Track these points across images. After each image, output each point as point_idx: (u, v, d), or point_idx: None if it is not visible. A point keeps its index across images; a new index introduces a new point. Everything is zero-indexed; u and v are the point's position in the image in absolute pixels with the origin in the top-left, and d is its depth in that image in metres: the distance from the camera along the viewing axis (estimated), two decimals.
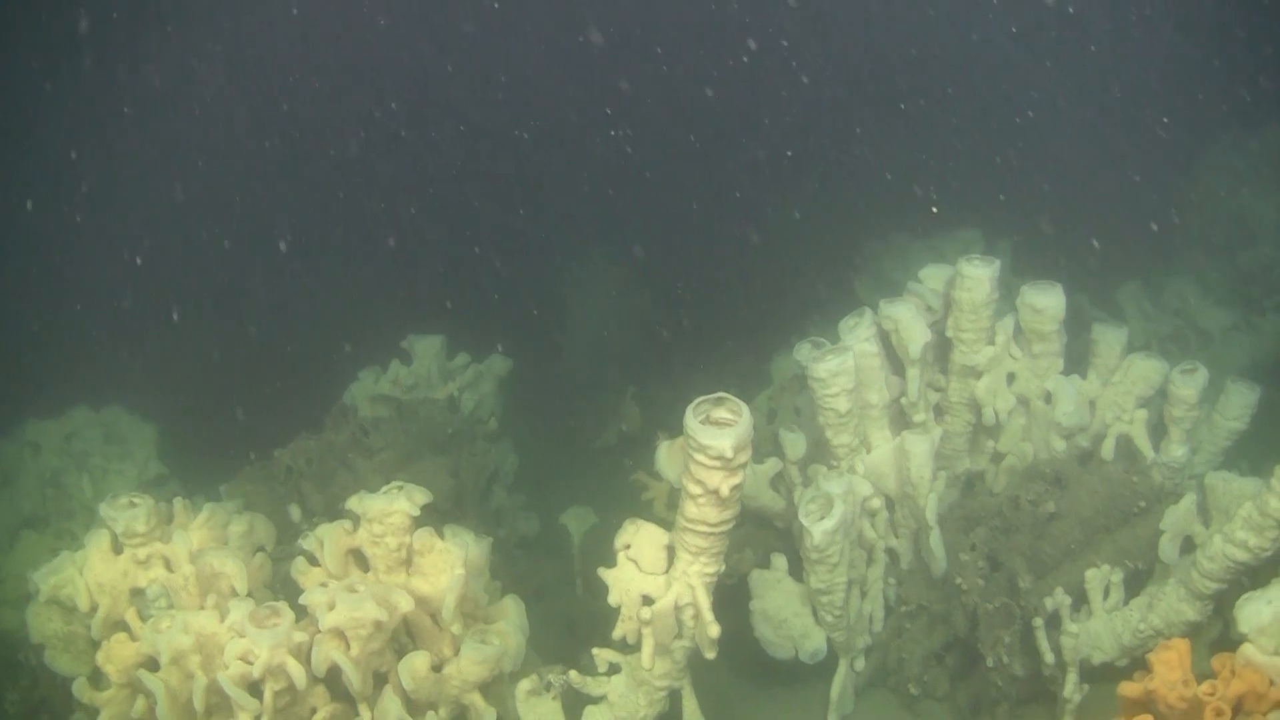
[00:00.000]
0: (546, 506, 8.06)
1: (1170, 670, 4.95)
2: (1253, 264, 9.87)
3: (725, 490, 5.13)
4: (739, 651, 6.80)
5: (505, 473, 8.01)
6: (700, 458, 5.04)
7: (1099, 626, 5.88)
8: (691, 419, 5.01)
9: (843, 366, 6.29)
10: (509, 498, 7.89)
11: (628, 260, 11.58)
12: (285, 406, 7.61)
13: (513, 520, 7.78)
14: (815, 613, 6.32)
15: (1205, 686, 4.76)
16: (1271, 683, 4.77)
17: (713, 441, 4.96)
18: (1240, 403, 6.40)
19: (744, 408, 5.03)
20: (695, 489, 5.18)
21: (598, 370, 10.34)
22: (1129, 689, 5.15)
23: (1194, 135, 11.03)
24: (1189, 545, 5.69)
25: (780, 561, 6.50)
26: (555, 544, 7.76)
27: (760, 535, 6.68)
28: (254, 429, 7.53)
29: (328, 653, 5.25)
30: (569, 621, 6.98)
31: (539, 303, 10.99)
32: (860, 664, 6.61)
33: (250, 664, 5.13)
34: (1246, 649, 4.92)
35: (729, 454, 4.97)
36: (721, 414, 5.06)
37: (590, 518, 7.42)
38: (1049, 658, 5.92)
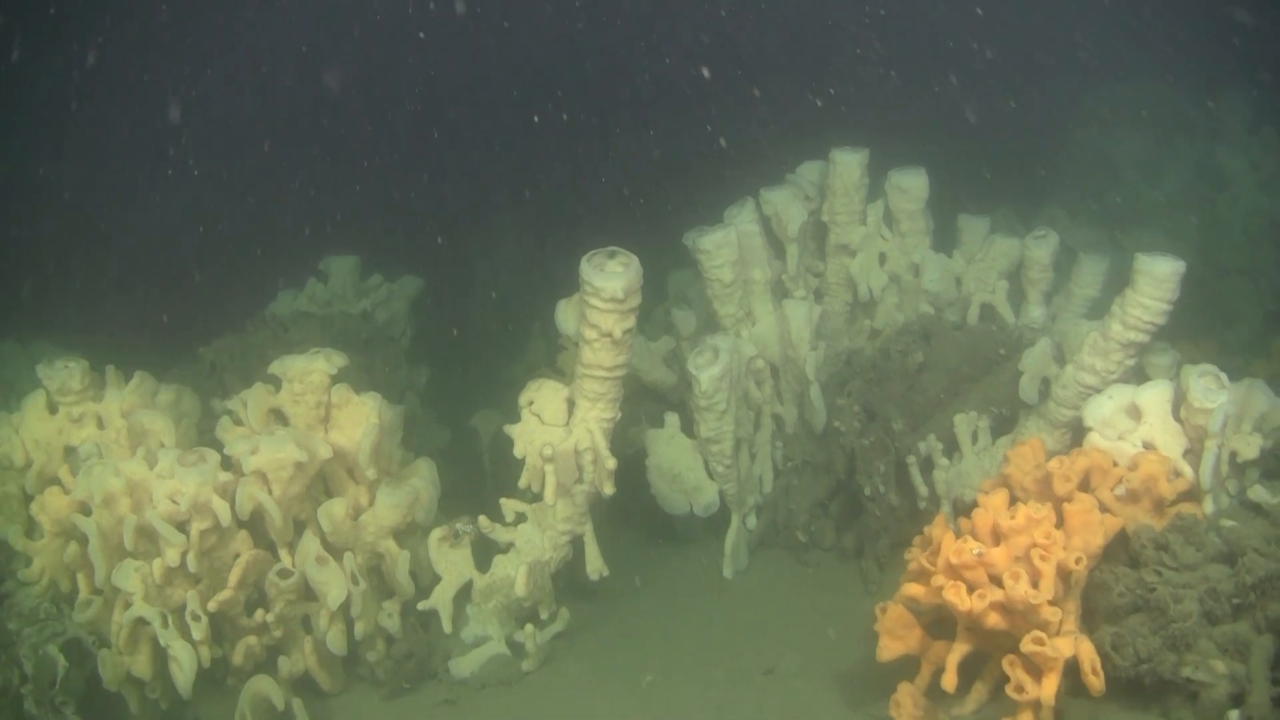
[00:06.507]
0: (457, 420, 8.35)
1: (1024, 460, 5.47)
2: (1120, 202, 10.48)
3: (618, 333, 5.62)
4: (637, 517, 7.26)
5: (418, 384, 8.34)
6: (595, 302, 5.54)
7: (969, 466, 6.32)
8: (587, 267, 5.52)
9: (726, 239, 6.80)
10: (422, 408, 8.22)
11: (534, 221, 11.99)
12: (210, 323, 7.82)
13: (425, 430, 8.09)
14: (707, 465, 6.77)
15: (1054, 462, 5.26)
16: (1115, 463, 5.30)
17: (605, 284, 5.47)
18: (1091, 270, 6.94)
19: (633, 258, 5.56)
20: (591, 334, 5.66)
21: (503, 324, 10.62)
22: (987, 484, 5.66)
23: (1074, 87, 11.62)
24: (1047, 390, 6.18)
25: (673, 419, 6.91)
26: (466, 455, 8.08)
27: (655, 410, 7.08)
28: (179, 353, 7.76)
29: (251, 493, 5.60)
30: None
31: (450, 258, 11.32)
32: (752, 521, 7.06)
33: (177, 503, 5.46)
34: (1092, 436, 5.46)
35: (620, 295, 5.49)
36: (613, 265, 5.56)
37: (499, 420, 7.71)
38: (923, 490, 6.39)
